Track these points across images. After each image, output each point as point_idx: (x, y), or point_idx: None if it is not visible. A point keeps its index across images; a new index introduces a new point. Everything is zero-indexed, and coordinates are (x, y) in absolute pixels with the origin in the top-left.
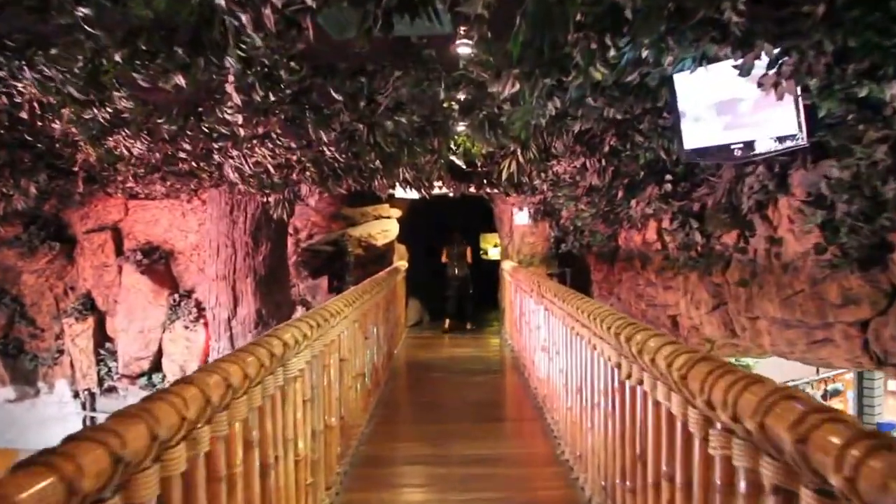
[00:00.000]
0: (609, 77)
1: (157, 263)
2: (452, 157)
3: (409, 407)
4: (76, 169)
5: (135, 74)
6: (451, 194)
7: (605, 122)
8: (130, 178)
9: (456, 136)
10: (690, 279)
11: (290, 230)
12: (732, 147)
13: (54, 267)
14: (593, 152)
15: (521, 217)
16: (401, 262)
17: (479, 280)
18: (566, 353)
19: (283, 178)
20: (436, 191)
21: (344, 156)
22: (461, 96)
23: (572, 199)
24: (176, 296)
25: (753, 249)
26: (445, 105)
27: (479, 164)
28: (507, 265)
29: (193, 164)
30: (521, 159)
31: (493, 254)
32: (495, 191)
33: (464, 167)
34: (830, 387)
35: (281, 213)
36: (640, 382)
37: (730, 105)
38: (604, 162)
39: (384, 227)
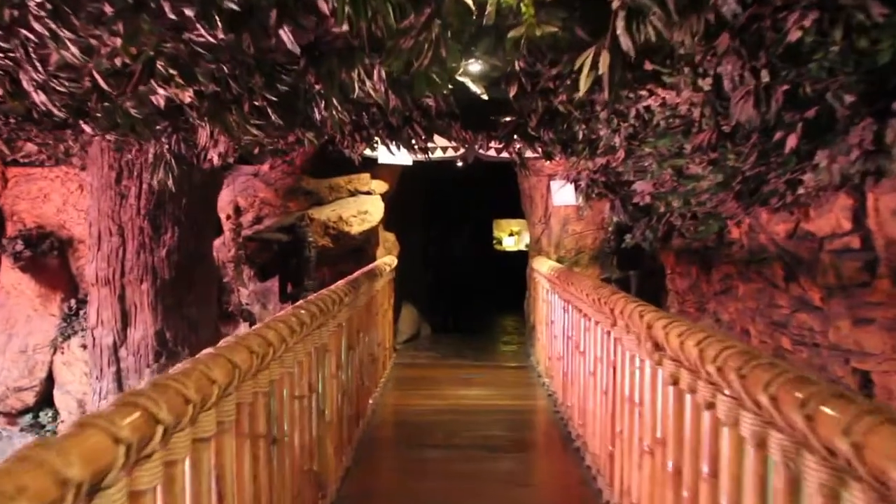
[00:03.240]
0: None
1: (47, 257)
2: (464, 79)
3: None
4: None
5: None
6: (458, 161)
7: None
8: None
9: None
10: None
11: (228, 210)
12: None
13: None
14: (755, 52)
15: (564, 194)
16: (386, 260)
17: (491, 276)
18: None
19: (141, 110)
20: (437, 153)
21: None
22: None
23: (674, 158)
24: (73, 302)
25: None
26: None
27: (510, 89)
28: (541, 265)
29: None
30: (606, 62)
31: (509, 244)
32: (530, 153)
33: (483, 96)
34: None
35: (165, 180)
36: None
37: None
38: (767, 77)
39: (362, 208)
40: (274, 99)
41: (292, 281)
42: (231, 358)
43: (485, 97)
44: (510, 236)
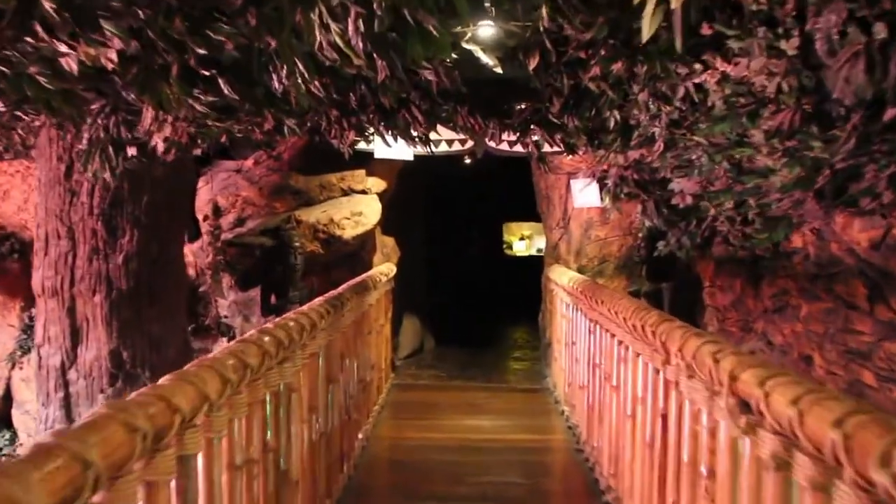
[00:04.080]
0: None
1: (7, 260)
2: (472, 47)
3: None
4: None
5: None
6: (466, 157)
7: None
8: None
9: None
10: None
11: (206, 210)
12: None
13: None
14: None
15: (587, 195)
16: (382, 268)
17: (500, 283)
18: None
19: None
20: (441, 146)
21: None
22: None
23: (734, 148)
24: (34, 311)
25: None
26: None
27: (530, 60)
28: (560, 275)
29: None
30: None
31: (519, 248)
32: (549, 147)
33: (495, 69)
34: None
35: (101, 172)
36: None
37: None
38: (884, 33)
39: (356, 209)
40: (217, 62)
41: (276, 291)
42: (86, 456)
43: (498, 70)
44: (521, 240)
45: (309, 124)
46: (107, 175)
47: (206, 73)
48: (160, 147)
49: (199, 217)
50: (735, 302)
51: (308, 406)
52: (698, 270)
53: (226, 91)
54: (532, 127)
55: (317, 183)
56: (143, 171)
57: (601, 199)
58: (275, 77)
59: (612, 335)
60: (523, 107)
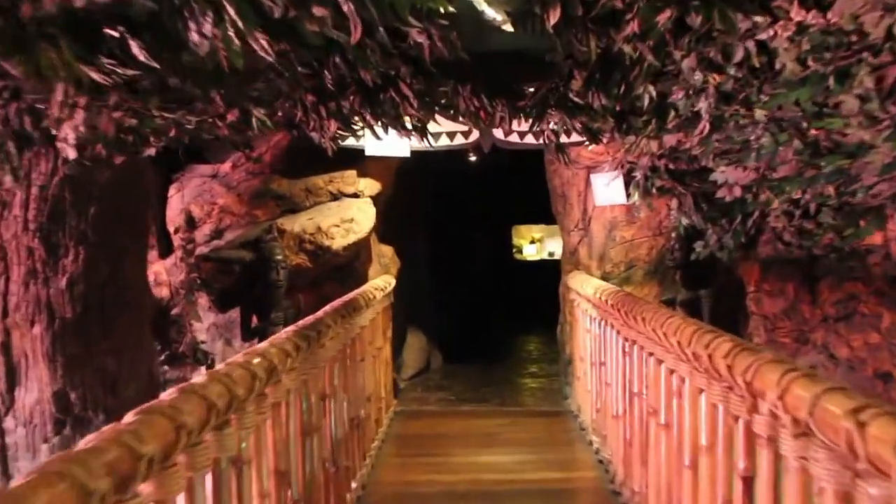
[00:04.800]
0: None
1: None
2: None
3: None
4: None
5: None
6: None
7: None
8: None
9: None
10: None
11: (179, 221)
12: None
13: None
14: None
15: (611, 190)
16: (378, 283)
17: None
18: None
19: None
20: (442, 140)
21: None
22: None
23: (813, 121)
24: None
25: None
26: None
27: (550, 15)
28: (582, 283)
29: None
30: None
31: (529, 252)
32: (566, 138)
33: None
34: None
35: (2, 175)
36: None
37: None
38: None
39: (346, 215)
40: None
41: (259, 311)
42: None
43: (507, 29)
44: (531, 244)
45: (281, 113)
46: (8, 179)
47: (112, 32)
48: (69, 139)
49: (171, 229)
50: (787, 309)
51: (273, 473)
52: (740, 274)
53: (141, 58)
54: (549, 111)
55: (302, 187)
56: (87, 178)
57: (628, 195)
58: (193, 26)
59: (659, 361)
60: (536, 87)
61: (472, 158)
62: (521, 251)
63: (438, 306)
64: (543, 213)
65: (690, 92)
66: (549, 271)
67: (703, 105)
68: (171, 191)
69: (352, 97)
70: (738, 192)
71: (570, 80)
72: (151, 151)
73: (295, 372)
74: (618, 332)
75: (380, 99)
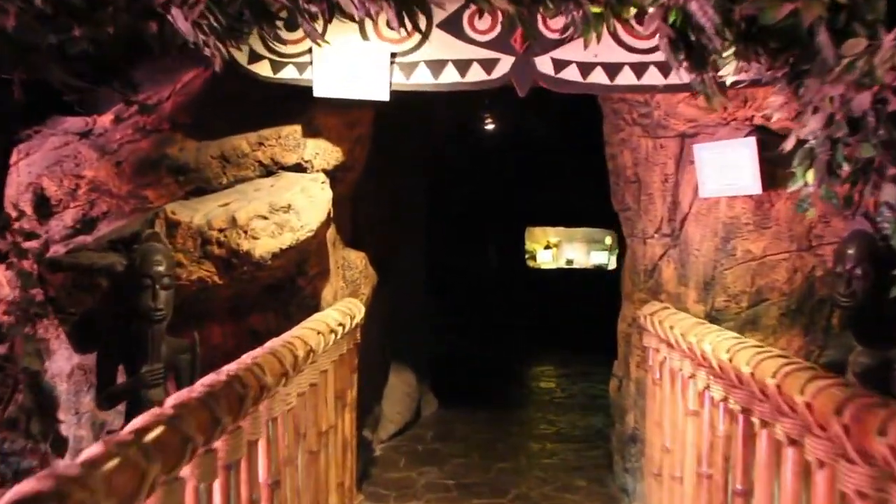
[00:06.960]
0: None
1: None
2: None
3: None
4: None
5: None
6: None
7: None
8: None
9: None
10: None
11: (24, 205)
12: None
13: None
14: None
15: (733, 172)
16: (335, 314)
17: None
18: None
19: None
20: (447, 73)
21: None
22: None
23: None
24: None
25: None
26: None
27: None
28: (679, 328)
29: None
30: None
31: (544, 259)
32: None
33: None
34: None
35: None
36: None
37: None
38: None
39: (280, 199)
40: None
41: (122, 357)
42: None
43: None
44: (546, 249)
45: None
46: None
47: None
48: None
49: (11, 216)
50: None
51: None
52: None
53: None
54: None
55: (216, 153)
56: None
57: (772, 177)
58: None
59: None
60: None
61: (489, 126)
62: (534, 257)
63: (434, 332)
64: (563, 211)
65: None
66: (570, 282)
67: None
68: (13, 157)
69: None
70: None
71: None
72: None
73: None
74: (789, 443)
75: None
